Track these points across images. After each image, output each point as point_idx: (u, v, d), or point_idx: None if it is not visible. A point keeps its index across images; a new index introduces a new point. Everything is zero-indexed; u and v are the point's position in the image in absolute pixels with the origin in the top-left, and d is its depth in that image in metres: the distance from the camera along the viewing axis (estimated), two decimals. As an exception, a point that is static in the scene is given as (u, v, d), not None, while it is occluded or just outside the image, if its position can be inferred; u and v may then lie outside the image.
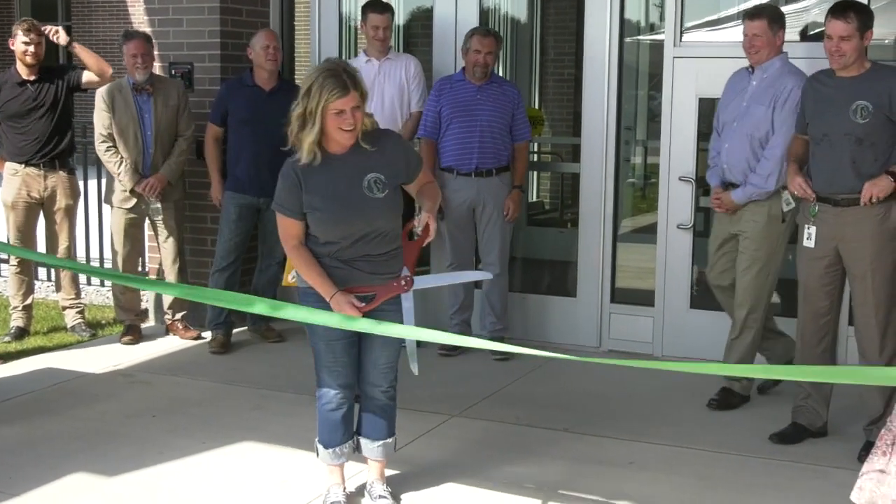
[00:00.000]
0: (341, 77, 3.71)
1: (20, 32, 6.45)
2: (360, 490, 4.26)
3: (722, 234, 5.47)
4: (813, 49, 5.62)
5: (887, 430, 3.53)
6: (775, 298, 6.44)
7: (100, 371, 6.10)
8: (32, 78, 6.48)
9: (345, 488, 4.17)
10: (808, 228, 4.83)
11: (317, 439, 4.14)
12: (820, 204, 4.77)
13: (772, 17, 5.22)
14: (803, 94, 4.90)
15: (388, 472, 4.46)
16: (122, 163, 6.41)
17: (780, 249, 5.34)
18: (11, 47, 6.52)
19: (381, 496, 4.14)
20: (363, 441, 4.16)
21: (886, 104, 4.60)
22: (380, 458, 4.19)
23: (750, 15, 5.24)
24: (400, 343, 4.12)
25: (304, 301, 4.00)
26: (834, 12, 4.66)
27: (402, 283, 3.97)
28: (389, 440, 4.19)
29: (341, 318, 3.78)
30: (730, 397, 5.44)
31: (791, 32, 5.53)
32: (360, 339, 4.04)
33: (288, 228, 3.93)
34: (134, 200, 6.49)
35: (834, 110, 4.65)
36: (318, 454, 4.14)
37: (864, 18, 4.64)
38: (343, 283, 3.89)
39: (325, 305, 3.91)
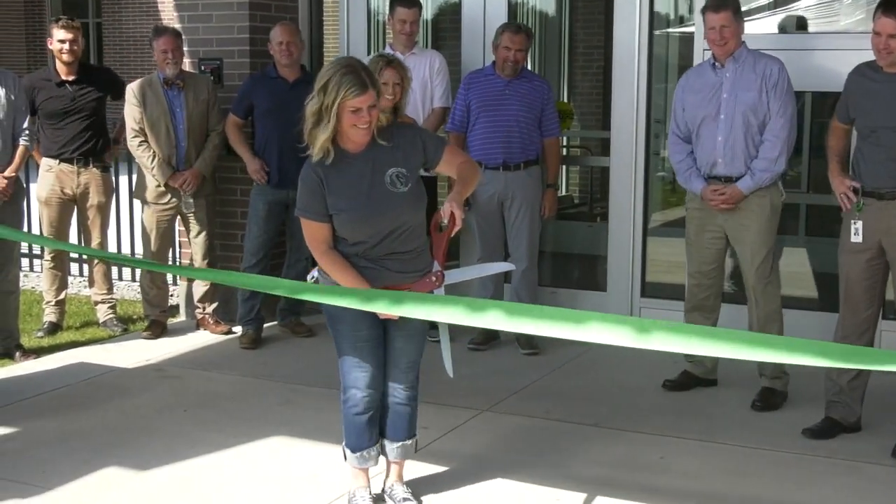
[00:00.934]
0: (360, 75, 3.68)
1: (57, 30, 6.49)
2: (381, 494, 4.22)
3: (706, 229, 5.44)
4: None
5: None
6: (810, 292, 6.44)
7: (131, 366, 6.13)
8: (71, 78, 6.52)
9: (371, 491, 4.15)
10: (855, 223, 4.81)
11: (343, 443, 4.12)
12: (865, 198, 4.76)
13: (735, 8, 5.26)
14: (847, 87, 4.87)
15: (419, 468, 4.48)
16: (154, 157, 6.44)
17: (774, 235, 5.39)
18: (50, 46, 6.55)
19: (404, 499, 4.11)
20: (384, 442, 4.13)
21: None
22: (399, 459, 4.15)
23: (714, 7, 5.22)
24: (422, 344, 4.11)
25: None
26: (885, 10, 4.64)
27: (433, 279, 3.95)
28: (409, 442, 4.15)
29: (359, 298, 3.71)
30: (772, 397, 5.39)
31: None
32: (384, 339, 4.02)
33: (315, 233, 3.88)
34: (167, 196, 6.53)
35: (883, 106, 4.62)
36: (345, 458, 4.11)
37: None
38: (372, 283, 3.85)
39: (364, 316, 3.85)
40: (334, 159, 3.81)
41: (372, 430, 4.07)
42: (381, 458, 4.16)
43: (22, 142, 5.98)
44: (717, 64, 5.31)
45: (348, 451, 4.08)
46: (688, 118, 5.40)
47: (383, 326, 3.99)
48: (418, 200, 3.94)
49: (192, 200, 6.54)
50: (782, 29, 6.66)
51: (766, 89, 5.21)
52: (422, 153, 3.96)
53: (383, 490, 4.18)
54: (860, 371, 4.95)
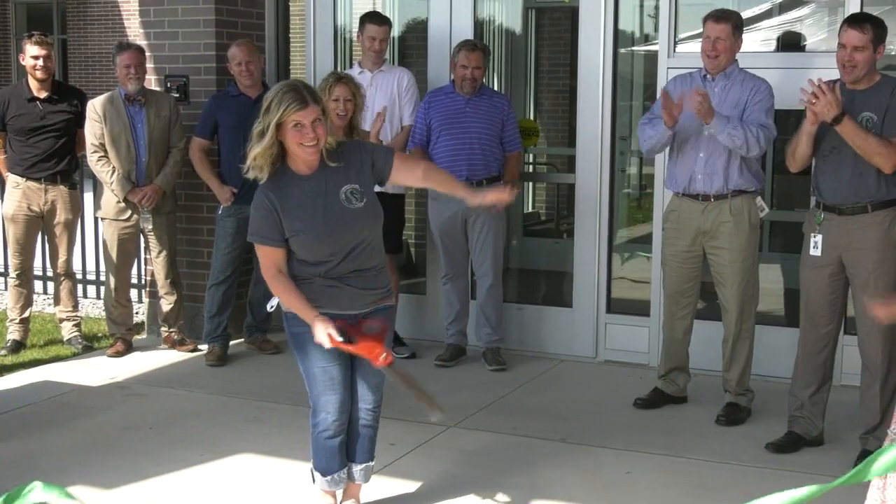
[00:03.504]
0: (301, 92, 3.69)
1: (29, 46, 6.47)
2: None
3: (681, 249, 5.44)
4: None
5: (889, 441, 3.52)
6: (777, 306, 6.49)
7: (96, 384, 6.10)
8: (43, 95, 6.51)
9: None
10: (815, 237, 4.86)
11: (311, 466, 4.11)
12: (826, 213, 4.81)
13: (736, 23, 5.29)
14: None
15: (388, 485, 4.50)
16: (113, 172, 6.39)
17: (756, 254, 5.42)
18: (22, 62, 6.53)
19: None
20: (350, 464, 4.12)
21: (881, 118, 4.64)
22: (361, 481, 4.15)
23: (716, 17, 5.26)
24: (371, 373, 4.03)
25: (289, 323, 3.97)
26: (850, 22, 4.71)
27: (385, 356, 3.80)
28: (371, 463, 4.16)
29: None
30: (737, 412, 5.42)
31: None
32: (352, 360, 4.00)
33: (268, 256, 3.85)
34: (128, 212, 6.49)
35: (849, 119, 4.64)
36: (314, 481, 4.10)
37: (880, 32, 4.67)
38: (336, 301, 3.86)
39: (307, 328, 3.84)
40: (286, 182, 3.81)
41: (342, 454, 4.07)
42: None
43: None
44: (708, 76, 5.32)
45: (318, 475, 4.07)
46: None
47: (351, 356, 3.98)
48: (376, 215, 3.95)
49: (150, 216, 6.50)
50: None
51: (745, 105, 5.23)
52: (372, 166, 3.93)
53: None
54: (821, 386, 5.01)
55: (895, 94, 4.71)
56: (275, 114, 3.65)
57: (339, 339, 3.74)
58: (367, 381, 4.03)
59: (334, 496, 4.14)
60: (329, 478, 4.06)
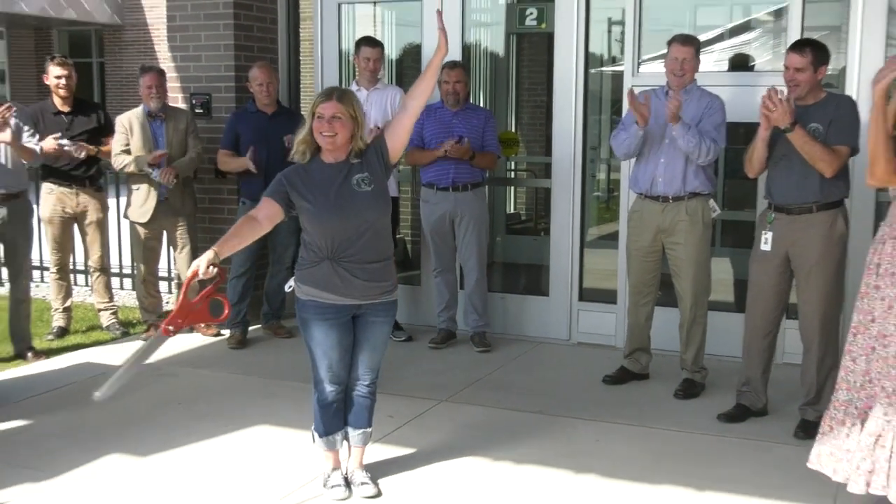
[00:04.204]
0: (331, 90, 3.88)
1: (52, 67, 6.46)
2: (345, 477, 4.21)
3: (644, 244, 5.46)
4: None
5: (835, 410, 3.55)
6: (727, 295, 6.52)
7: (131, 365, 6.10)
8: (66, 109, 6.50)
9: (342, 472, 4.17)
10: (766, 234, 4.88)
11: (313, 428, 4.14)
12: (776, 213, 4.84)
13: (697, 46, 5.35)
14: None
15: (387, 451, 4.51)
16: (132, 158, 6.38)
17: (709, 249, 5.44)
18: (46, 82, 6.53)
19: (363, 483, 4.12)
20: (348, 429, 4.14)
21: (825, 127, 4.67)
22: (360, 444, 4.16)
23: (682, 41, 5.29)
24: (384, 350, 4.10)
25: (298, 310, 3.99)
26: (793, 47, 4.77)
27: (165, 326, 3.74)
28: (369, 429, 4.16)
29: None
30: (692, 387, 5.46)
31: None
32: (352, 342, 4.02)
33: (262, 203, 3.90)
34: (150, 214, 6.48)
35: (800, 129, 4.66)
36: (314, 440, 4.14)
37: (820, 55, 4.70)
38: (340, 289, 3.86)
39: (319, 316, 3.90)
40: (312, 166, 3.90)
41: (338, 419, 4.10)
42: (345, 443, 4.18)
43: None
44: (669, 92, 5.31)
45: (316, 435, 4.12)
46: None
47: (354, 336, 4.00)
48: (382, 201, 3.92)
49: (159, 179, 6.35)
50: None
51: (700, 119, 5.26)
52: (378, 152, 3.94)
53: (344, 474, 4.18)
54: (766, 364, 5.05)
55: (839, 108, 4.74)
56: (311, 107, 3.84)
57: (191, 281, 3.68)
58: (365, 361, 4.05)
59: (337, 456, 4.16)
60: (325, 438, 4.09)
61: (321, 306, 3.89)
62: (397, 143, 3.97)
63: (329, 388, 4.02)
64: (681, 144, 5.20)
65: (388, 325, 4.07)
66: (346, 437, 4.16)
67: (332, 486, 4.11)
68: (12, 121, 5.81)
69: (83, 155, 6.37)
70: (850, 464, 3.42)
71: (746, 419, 5.03)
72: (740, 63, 6.81)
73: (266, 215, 3.89)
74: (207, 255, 3.67)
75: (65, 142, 6.28)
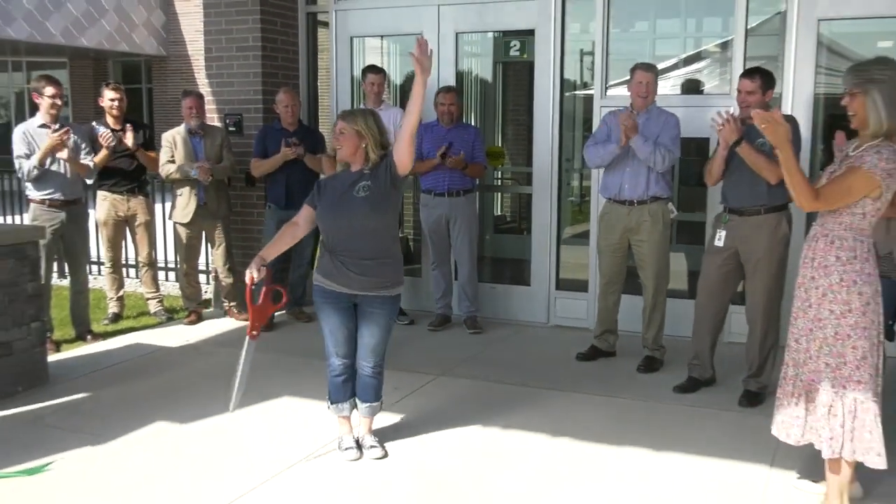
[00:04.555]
0: (347, 111, 3.99)
1: (107, 91, 6.46)
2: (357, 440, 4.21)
3: (613, 241, 5.45)
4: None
5: (785, 384, 3.54)
6: (682, 285, 6.52)
7: (176, 345, 6.10)
8: (118, 127, 6.48)
9: (353, 435, 4.16)
10: (720, 232, 4.87)
11: (327, 396, 4.16)
12: (730, 214, 4.83)
13: (657, 73, 5.35)
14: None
15: (393, 418, 4.50)
16: (177, 165, 6.37)
17: (668, 245, 5.42)
18: (101, 104, 6.51)
19: (371, 446, 4.12)
20: (357, 401, 4.14)
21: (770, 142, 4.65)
22: (367, 416, 4.15)
23: (645, 68, 5.29)
24: (385, 334, 4.02)
25: (315, 295, 4.01)
26: (745, 73, 4.78)
27: (251, 332, 4.09)
28: (375, 403, 4.13)
29: None
30: (652, 363, 5.46)
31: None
32: (356, 326, 4.02)
33: (301, 211, 4.02)
34: (191, 216, 6.47)
35: (747, 143, 4.65)
36: (328, 406, 4.16)
37: (768, 80, 4.71)
38: (336, 278, 3.89)
39: (324, 299, 3.94)
40: (342, 173, 3.99)
41: (345, 389, 4.10)
42: (356, 412, 4.18)
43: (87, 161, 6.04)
44: (633, 111, 5.32)
45: (329, 402, 4.14)
46: (612, 137, 5.32)
47: (356, 321, 4.00)
48: (376, 207, 3.87)
49: (198, 175, 6.33)
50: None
51: (658, 134, 5.25)
52: (387, 165, 3.90)
53: (356, 438, 4.18)
54: (713, 343, 5.04)
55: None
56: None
57: (252, 286, 3.91)
58: (365, 345, 4.02)
59: (349, 422, 4.16)
60: (335, 405, 4.12)
61: (325, 291, 3.96)
62: (401, 156, 3.90)
63: (337, 362, 4.05)
64: (639, 154, 5.20)
65: (385, 317, 3.99)
66: (355, 407, 4.16)
67: (346, 449, 4.11)
68: (70, 141, 5.81)
69: (130, 141, 6.37)
70: (800, 428, 3.43)
71: (697, 390, 5.03)
72: (692, 87, 6.80)
73: (304, 217, 4.02)
74: (255, 262, 3.87)
75: (104, 130, 6.29)
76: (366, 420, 4.18)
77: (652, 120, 5.29)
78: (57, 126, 5.81)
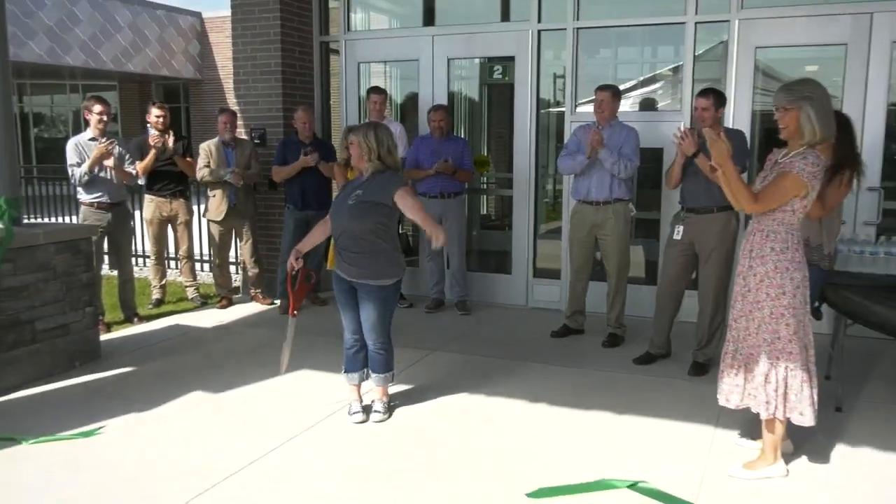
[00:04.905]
0: (358, 125, 4.02)
1: (153, 109, 6.43)
2: (369, 405, 4.23)
3: (582, 236, 5.44)
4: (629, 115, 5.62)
5: (726, 357, 3.54)
6: (641, 273, 6.52)
7: (209, 326, 6.08)
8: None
9: (361, 401, 4.15)
10: (678, 227, 4.86)
11: (342, 365, 4.15)
12: (687, 213, 4.83)
13: (614, 91, 5.31)
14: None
15: (396, 387, 4.49)
16: (210, 170, 6.36)
17: (629, 239, 5.41)
18: (148, 120, 6.48)
19: (376, 410, 4.12)
20: (371, 372, 4.13)
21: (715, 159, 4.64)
22: (379, 385, 4.14)
23: (601, 88, 5.29)
24: (381, 312, 3.93)
25: (332, 280, 4.04)
26: (700, 93, 4.76)
27: (291, 311, 4.16)
28: (384, 374, 4.10)
29: None
30: (615, 339, 5.45)
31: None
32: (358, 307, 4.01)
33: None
34: (223, 215, 6.44)
35: (702, 154, 4.66)
36: (343, 374, 4.16)
37: (719, 98, 4.70)
38: (340, 266, 3.93)
39: (338, 284, 3.95)
40: (359, 178, 3.97)
41: (356, 360, 4.09)
42: (368, 382, 4.17)
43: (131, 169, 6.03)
44: (599, 126, 5.31)
45: (343, 372, 4.14)
46: (581, 149, 5.32)
47: (356, 301, 3.97)
48: (355, 215, 3.82)
49: (231, 178, 6.34)
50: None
51: (620, 146, 5.23)
52: (383, 187, 3.84)
53: (371, 402, 4.18)
54: (670, 322, 5.03)
55: (731, 138, 4.65)
56: None
57: (292, 273, 4.03)
58: (365, 326, 4.00)
59: (358, 390, 4.14)
60: (347, 374, 4.11)
61: (336, 277, 4.00)
62: (404, 209, 3.84)
63: (347, 335, 4.05)
64: (605, 164, 5.20)
65: (373, 302, 3.91)
66: (365, 378, 4.14)
67: (353, 413, 4.10)
68: (115, 151, 5.79)
69: (170, 142, 6.35)
70: (739, 395, 3.44)
71: (654, 362, 5.03)
72: (649, 105, 6.79)
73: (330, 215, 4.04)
74: (293, 254, 3.99)
75: (154, 132, 6.31)
76: (378, 388, 4.17)
77: (615, 133, 5.28)
78: (104, 139, 5.80)
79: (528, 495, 3.24)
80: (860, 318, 4.11)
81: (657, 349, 5.06)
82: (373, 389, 4.21)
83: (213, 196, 6.47)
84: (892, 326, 4.00)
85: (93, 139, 5.83)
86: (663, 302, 5.00)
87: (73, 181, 5.86)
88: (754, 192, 3.35)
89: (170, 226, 6.70)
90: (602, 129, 5.28)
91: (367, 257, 3.87)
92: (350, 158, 4.69)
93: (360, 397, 4.16)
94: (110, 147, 5.73)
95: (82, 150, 5.81)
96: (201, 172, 6.41)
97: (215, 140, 6.48)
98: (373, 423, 4.07)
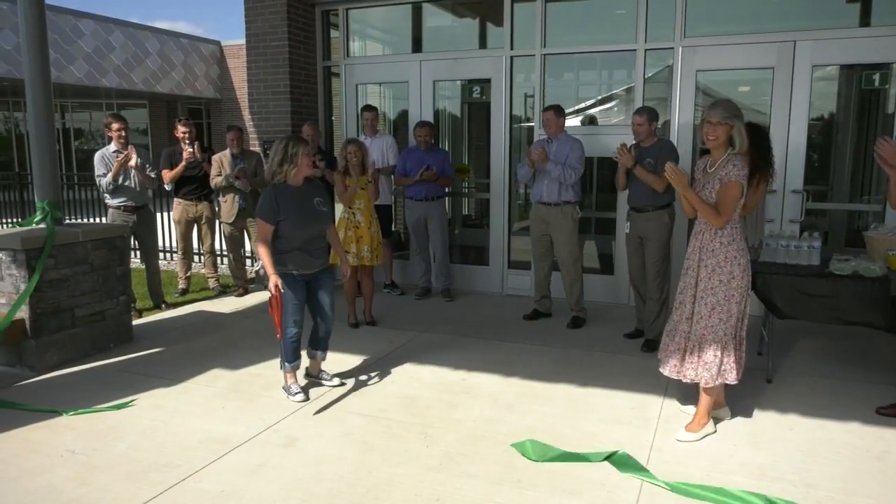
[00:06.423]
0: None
1: (180, 126, 6.34)
2: (315, 378, 4.19)
3: (539, 232, 5.43)
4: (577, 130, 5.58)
5: (665, 336, 3.54)
6: (595, 263, 6.52)
7: (228, 311, 6.00)
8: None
9: (297, 382, 4.01)
10: (627, 224, 4.91)
11: (280, 358, 3.98)
12: (632, 212, 4.83)
13: (556, 110, 5.28)
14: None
15: (386, 365, 4.43)
16: (223, 176, 6.27)
17: (576, 234, 5.38)
18: (176, 134, 6.39)
19: (326, 379, 4.13)
20: (317, 352, 4.10)
21: (655, 160, 4.65)
22: (323, 358, 4.14)
23: (545, 109, 5.29)
24: (327, 303, 3.95)
25: (287, 282, 3.83)
26: (636, 111, 4.79)
27: (271, 299, 3.76)
28: (326, 353, 4.15)
29: None
30: (578, 321, 5.42)
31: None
32: (308, 299, 3.92)
33: (264, 231, 3.73)
34: (234, 217, 6.35)
35: (639, 166, 4.67)
36: (282, 367, 3.98)
37: (652, 115, 4.72)
38: (302, 263, 3.81)
39: (297, 286, 3.81)
40: (285, 187, 3.77)
41: (297, 351, 3.97)
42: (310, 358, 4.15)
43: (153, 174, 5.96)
44: (549, 140, 5.31)
45: (285, 363, 3.96)
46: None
47: (307, 290, 3.90)
48: (326, 217, 3.91)
49: (236, 182, 6.25)
50: (581, 122, 6.73)
51: (567, 157, 5.22)
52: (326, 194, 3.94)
53: (319, 374, 4.16)
54: (644, 300, 4.98)
55: (662, 148, 4.74)
56: (294, 150, 3.78)
57: (276, 292, 3.69)
58: (327, 310, 3.99)
59: (294, 374, 3.99)
60: (290, 364, 3.94)
61: (290, 278, 3.84)
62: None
63: (294, 330, 3.88)
64: (552, 174, 5.23)
65: (331, 286, 3.96)
66: (312, 356, 4.12)
67: (295, 394, 3.93)
68: (134, 157, 5.72)
69: (198, 151, 6.26)
70: (693, 370, 3.45)
71: (642, 336, 4.96)
72: (605, 120, 6.78)
73: (269, 237, 3.84)
74: (273, 281, 3.77)
75: (188, 148, 6.23)
76: (317, 362, 4.16)
77: (562, 145, 5.28)
78: (127, 149, 5.76)
79: (513, 445, 3.26)
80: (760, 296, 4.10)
81: (639, 326, 5.07)
82: (322, 366, 4.19)
83: (225, 201, 6.39)
84: (769, 303, 4.00)
85: (116, 151, 5.77)
86: (636, 285, 5.00)
87: (100, 189, 5.78)
88: (712, 206, 3.32)
89: (195, 225, 6.61)
90: (551, 142, 5.28)
91: (324, 250, 3.97)
92: (348, 167, 4.70)
93: (297, 379, 4.06)
94: (131, 154, 5.68)
95: (108, 161, 5.76)
96: (215, 181, 6.33)
97: (226, 152, 6.41)
98: (374, 394, 4.02)
